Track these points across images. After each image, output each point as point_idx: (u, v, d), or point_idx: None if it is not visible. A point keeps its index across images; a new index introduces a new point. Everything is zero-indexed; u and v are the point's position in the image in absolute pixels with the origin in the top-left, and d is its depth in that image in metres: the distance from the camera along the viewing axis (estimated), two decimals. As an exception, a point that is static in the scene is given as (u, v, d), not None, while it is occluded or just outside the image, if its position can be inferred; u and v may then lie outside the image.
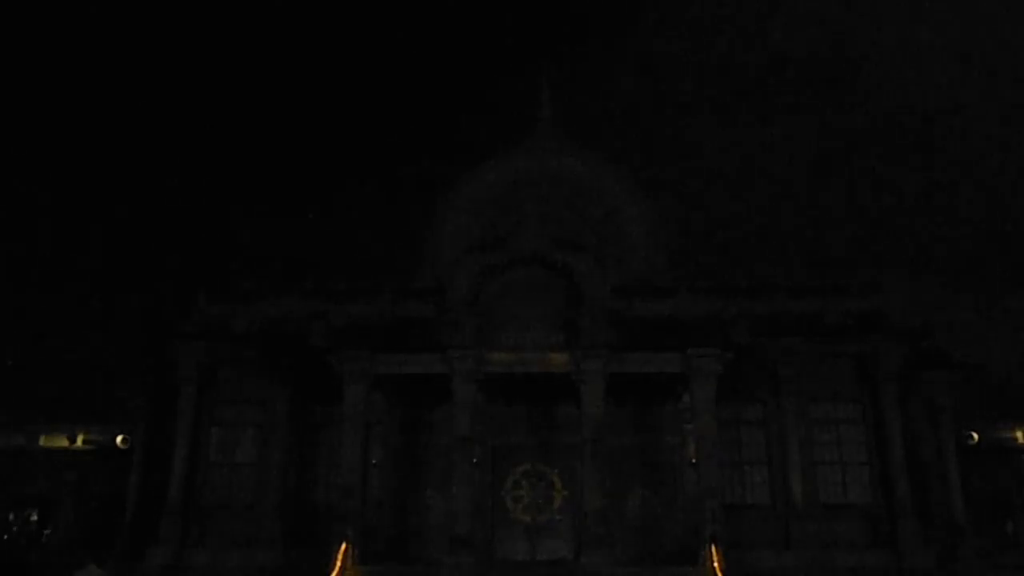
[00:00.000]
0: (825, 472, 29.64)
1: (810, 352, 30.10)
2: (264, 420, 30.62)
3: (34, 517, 35.62)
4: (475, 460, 27.37)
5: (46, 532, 35.24)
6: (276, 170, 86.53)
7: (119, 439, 34.48)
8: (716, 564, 24.67)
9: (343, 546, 25.46)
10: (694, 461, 27.85)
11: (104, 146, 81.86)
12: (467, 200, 40.44)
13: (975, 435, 32.51)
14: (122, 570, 27.87)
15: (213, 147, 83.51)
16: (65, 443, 35.32)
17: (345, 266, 34.88)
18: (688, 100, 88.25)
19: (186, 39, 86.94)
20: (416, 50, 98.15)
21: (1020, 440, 33.56)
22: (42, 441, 35.61)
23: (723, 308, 29.21)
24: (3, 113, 77.08)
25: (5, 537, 35.04)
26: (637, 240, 39.38)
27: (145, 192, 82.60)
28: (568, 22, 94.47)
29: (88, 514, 34.61)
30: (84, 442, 35.32)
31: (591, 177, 40.28)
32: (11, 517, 35.42)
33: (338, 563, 25.14)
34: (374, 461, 29.35)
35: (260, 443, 30.50)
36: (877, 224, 79.28)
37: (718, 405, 27.30)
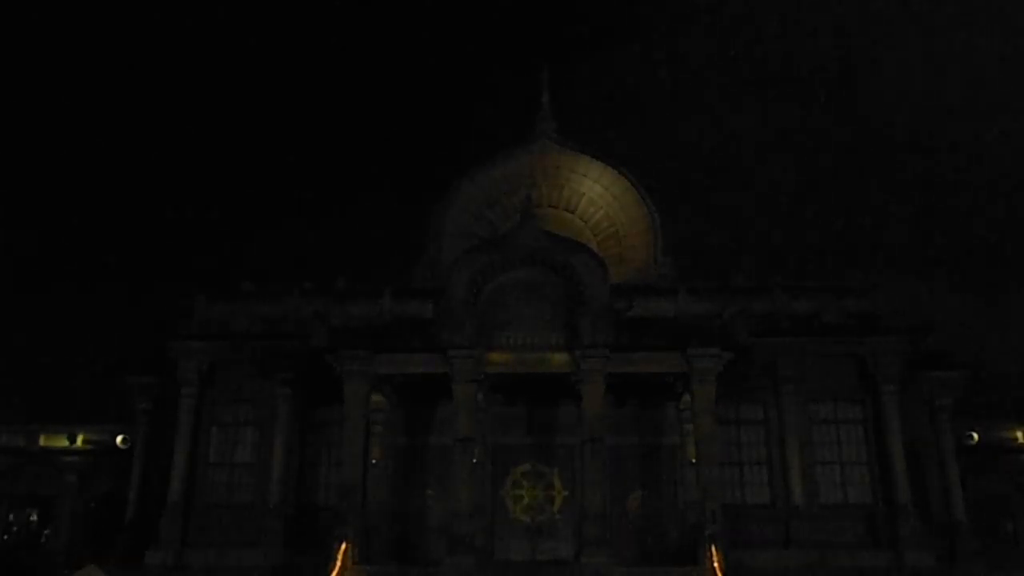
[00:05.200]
0: (825, 472, 29.62)
1: (810, 352, 30.09)
2: (264, 420, 30.61)
3: (34, 517, 35.62)
4: (475, 460, 27.35)
5: (46, 532, 35.24)
6: (277, 170, 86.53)
7: (119, 439, 34.48)
8: (716, 564, 24.65)
9: (343, 546, 25.44)
10: (694, 461, 27.83)
11: (105, 147, 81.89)
12: (467, 200, 40.46)
13: (975, 435, 32.51)
14: (122, 570, 27.85)
15: (214, 148, 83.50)
16: (65, 443, 35.32)
17: (345, 266, 34.73)
18: (689, 100, 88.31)
19: (188, 41, 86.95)
20: (416, 50, 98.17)
21: (1020, 440, 33.56)
22: (42, 441, 35.62)
23: (723, 308, 29.18)
24: (5, 114, 77.11)
25: (5, 537, 35.04)
26: (637, 240, 39.40)
27: (146, 193, 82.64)
28: (569, 22, 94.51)
29: (88, 514, 34.63)
30: (84, 442, 35.33)
31: (591, 177, 40.30)
32: (11, 517, 35.43)
33: (338, 563, 25.12)
34: (374, 461, 29.32)
35: (260, 443, 30.48)
36: (877, 224, 79.29)
37: (718, 405, 27.29)
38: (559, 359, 27.36)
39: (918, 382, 30.81)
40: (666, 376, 28.11)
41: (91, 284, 68.13)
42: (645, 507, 29.53)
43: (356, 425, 27.38)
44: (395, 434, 30.29)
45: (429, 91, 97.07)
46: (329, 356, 27.39)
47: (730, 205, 77.78)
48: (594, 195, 40.28)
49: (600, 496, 26.43)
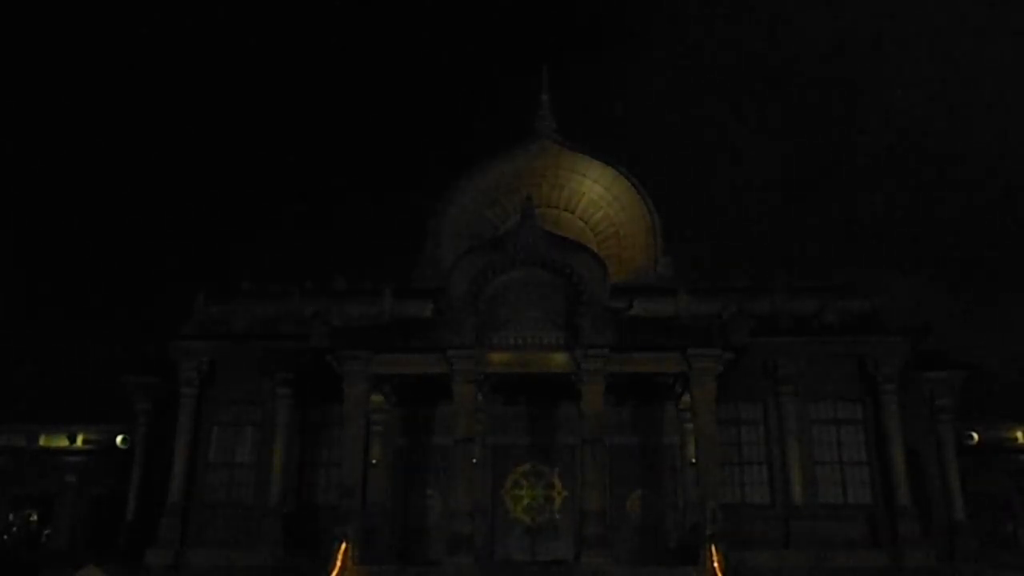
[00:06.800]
0: (825, 472, 29.60)
1: (810, 352, 30.07)
2: (264, 420, 30.60)
3: (34, 517, 35.63)
4: (475, 460, 27.36)
5: (46, 532, 35.24)
6: (277, 171, 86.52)
7: (119, 439, 34.51)
8: (716, 564, 24.64)
9: (343, 546, 25.43)
10: (694, 461, 27.83)
11: (106, 148, 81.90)
12: (467, 200, 40.47)
13: (975, 435, 32.52)
14: (122, 570, 27.85)
15: (214, 149, 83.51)
16: (65, 443, 35.34)
17: (345, 266, 34.75)
18: (689, 101, 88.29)
19: (188, 42, 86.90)
20: (416, 50, 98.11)
21: (1020, 440, 33.58)
22: (42, 441, 35.63)
23: (723, 308, 29.18)
24: (5, 114, 77.09)
25: (5, 537, 35.03)
26: (637, 240, 39.41)
27: (146, 193, 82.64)
28: (568, 22, 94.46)
29: (88, 514, 34.62)
30: (84, 442, 35.35)
31: (591, 177, 40.31)
32: (11, 517, 35.43)
33: (338, 563, 25.10)
34: (374, 461, 29.33)
35: (260, 443, 30.47)
36: (877, 224, 79.28)
37: (718, 405, 27.27)
38: (559, 359, 27.34)
39: (918, 382, 30.81)
40: (666, 376, 28.12)
41: (91, 284, 68.14)
42: (645, 507, 29.53)
43: (356, 425, 27.36)
44: (395, 434, 30.29)
45: (429, 91, 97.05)
46: (329, 356, 27.38)
47: (731, 205, 77.78)
48: (594, 195, 40.28)
49: (600, 496, 26.43)
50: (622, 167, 40.23)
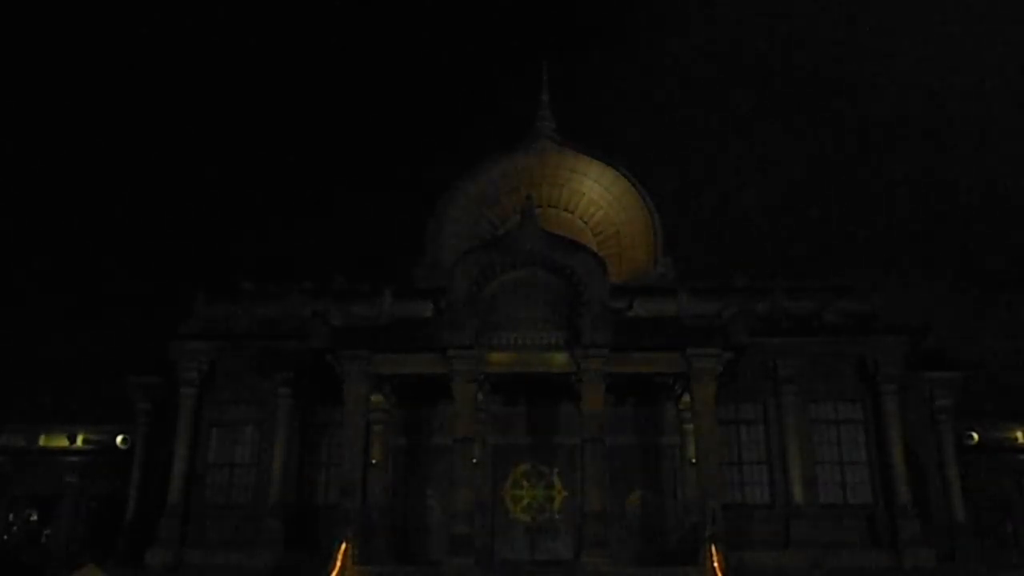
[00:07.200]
0: (825, 472, 29.62)
1: (810, 352, 30.09)
2: (264, 420, 30.60)
3: (34, 517, 35.63)
4: (475, 460, 27.35)
5: (46, 532, 35.24)
6: (276, 171, 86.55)
7: (119, 439, 34.50)
8: (716, 564, 24.64)
9: (343, 546, 25.43)
10: (694, 461, 27.83)
11: (105, 148, 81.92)
12: (467, 200, 40.49)
13: (975, 435, 32.51)
14: (122, 570, 27.85)
15: (214, 148, 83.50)
16: (65, 443, 35.34)
17: (345, 266, 34.76)
18: (689, 101, 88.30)
19: (188, 41, 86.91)
20: (416, 50, 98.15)
21: (1020, 440, 33.57)
22: (42, 441, 35.63)
23: (723, 308, 29.19)
24: (5, 114, 77.12)
25: (5, 537, 35.04)
26: (637, 240, 39.42)
27: (146, 193, 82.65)
28: (569, 22, 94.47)
29: (88, 514, 34.64)
30: (84, 442, 35.35)
31: (591, 177, 40.32)
32: (11, 517, 35.43)
33: (338, 563, 25.11)
34: (374, 461, 29.31)
35: (260, 443, 30.48)
36: (877, 224, 79.29)
37: (718, 405, 27.29)
38: (559, 359, 27.34)
39: (918, 382, 30.81)
40: (666, 376, 28.12)
41: (91, 284, 68.13)
42: (645, 507, 29.52)
43: (356, 425, 27.37)
44: (395, 434, 30.27)
45: (429, 90, 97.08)
46: (329, 356, 27.39)
47: (731, 205, 77.81)
48: (594, 195, 40.30)
49: (600, 496, 26.42)
50: (622, 167, 40.25)
